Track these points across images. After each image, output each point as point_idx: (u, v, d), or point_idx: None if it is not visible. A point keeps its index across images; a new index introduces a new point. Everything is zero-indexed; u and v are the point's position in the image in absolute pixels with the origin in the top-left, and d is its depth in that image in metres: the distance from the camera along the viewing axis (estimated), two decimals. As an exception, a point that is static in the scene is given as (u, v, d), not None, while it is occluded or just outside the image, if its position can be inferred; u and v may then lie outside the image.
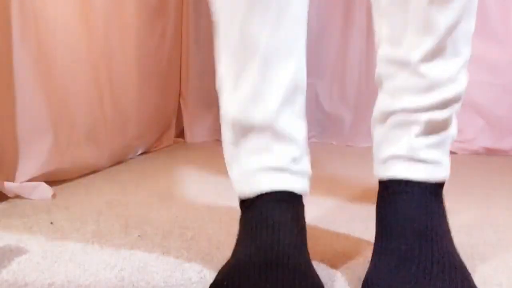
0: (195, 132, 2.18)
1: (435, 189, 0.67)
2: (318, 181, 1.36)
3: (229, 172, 0.67)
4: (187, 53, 2.16)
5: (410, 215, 0.59)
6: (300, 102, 0.62)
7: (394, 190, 0.62)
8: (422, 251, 0.56)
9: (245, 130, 0.61)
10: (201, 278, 0.67)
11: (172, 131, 2.05)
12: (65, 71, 1.20)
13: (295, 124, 0.62)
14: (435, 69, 0.60)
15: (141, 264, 0.71)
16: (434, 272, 0.53)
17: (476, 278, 0.70)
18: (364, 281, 0.58)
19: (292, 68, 0.60)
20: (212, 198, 1.12)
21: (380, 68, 0.63)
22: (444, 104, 0.61)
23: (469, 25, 0.67)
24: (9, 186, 1.02)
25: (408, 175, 0.63)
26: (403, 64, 0.60)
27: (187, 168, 1.52)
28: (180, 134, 2.18)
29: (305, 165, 0.64)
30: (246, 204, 0.64)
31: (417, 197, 0.62)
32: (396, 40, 0.60)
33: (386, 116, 0.64)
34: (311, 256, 0.64)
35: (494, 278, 0.70)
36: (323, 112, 2.14)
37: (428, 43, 0.59)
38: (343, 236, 0.87)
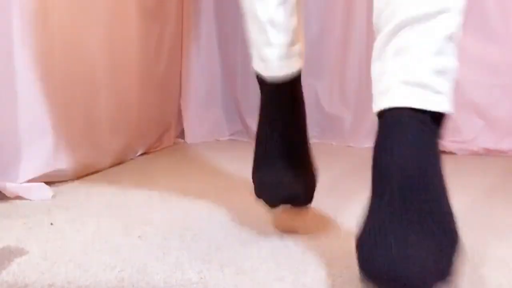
0: (195, 132, 2.18)
1: (432, 126, 0.57)
2: (319, 181, 1.36)
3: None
4: (187, 54, 2.16)
5: (405, 157, 0.55)
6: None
7: (390, 126, 0.56)
8: (409, 198, 0.54)
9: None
10: (201, 278, 0.67)
11: (172, 132, 2.05)
12: (65, 71, 1.20)
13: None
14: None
15: (141, 265, 0.71)
16: (416, 237, 0.52)
17: (476, 278, 0.70)
18: (356, 239, 0.60)
19: None
20: (212, 198, 1.12)
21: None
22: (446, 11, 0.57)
23: None
24: (9, 187, 1.02)
25: (402, 103, 0.55)
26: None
27: (187, 168, 1.52)
28: (180, 134, 2.18)
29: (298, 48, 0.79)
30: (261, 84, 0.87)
31: (414, 134, 0.55)
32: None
33: (387, 38, 0.59)
34: (310, 256, 0.66)
35: (494, 278, 0.70)
36: (323, 113, 2.14)
37: None
38: (343, 236, 0.87)
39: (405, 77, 0.56)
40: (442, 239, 0.54)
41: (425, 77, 0.55)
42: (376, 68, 0.61)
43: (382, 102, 0.58)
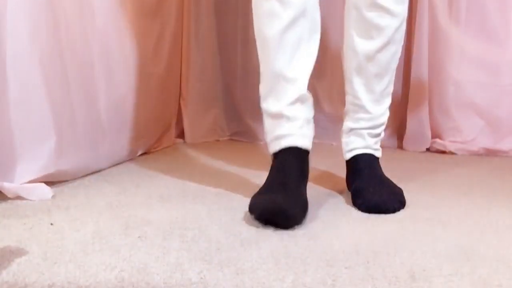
0: (195, 132, 2.18)
1: (376, 159, 1.13)
2: (319, 181, 1.36)
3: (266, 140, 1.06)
4: (187, 54, 2.16)
5: (369, 165, 1.10)
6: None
7: (358, 158, 1.11)
8: (376, 179, 1.07)
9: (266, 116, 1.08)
10: (201, 278, 0.67)
11: (172, 132, 2.05)
12: (65, 72, 1.20)
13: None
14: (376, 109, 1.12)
15: (141, 265, 0.71)
16: (380, 190, 1.04)
17: (476, 278, 0.70)
18: (352, 192, 1.08)
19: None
20: (212, 198, 1.13)
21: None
22: (380, 125, 1.13)
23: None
24: (9, 187, 1.02)
25: (365, 152, 1.12)
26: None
27: (187, 168, 1.52)
28: (180, 134, 2.18)
29: (309, 130, 1.04)
30: (273, 156, 1.03)
31: (369, 159, 1.11)
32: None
33: (350, 130, 1.13)
34: (310, 256, 0.66)
35: (494, 279, 0.70)
36: (323, 113, 2.14)
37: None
38: (343, 236, 0.87)
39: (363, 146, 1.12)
40: (394, 190, 1.08)
41: (372, 146, 1.13)
42: (348, 134, 1.15)
43: (353, 154, 1.13)
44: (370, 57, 1.05)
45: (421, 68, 2.07)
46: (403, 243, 0.84)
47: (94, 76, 1.35)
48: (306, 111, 1.03)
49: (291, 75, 1.00)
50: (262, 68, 1.04)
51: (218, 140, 2.26)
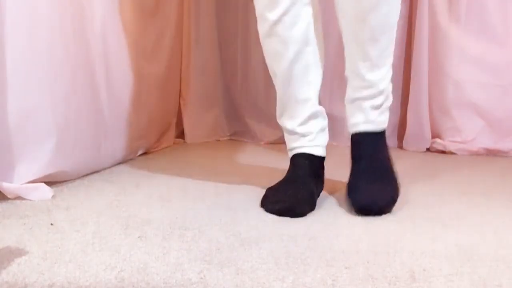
0: (195, 132, 2.18)
1: (380, 135, 1.09)
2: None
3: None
4: (187, 54, 2.16)
5: (370, 151, 1.07)
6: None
7: (359, 138, 1.09)
8: (371, 170, 1.04)
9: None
10: (201, 278, 0.67)
11: (172, 132, 2.05)
12: (65, 72, 1.20)
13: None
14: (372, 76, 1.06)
15: (141, 265, 0.71)
16: (372, 187, 1.01)
17: (476, 278, 0.70)
18: (347, 184, 1.07)
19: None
20: (212, 198, 1.13)
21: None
22: (379, 93, 1.07)
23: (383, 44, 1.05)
24: (9, 187, 1.02)
25: (365, 129, 1.09)
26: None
27: (187, 168, 1.52)
28: (180, 134, 2.18)
29: (322, 139, 1.16)
30: (290, 161, 1.12)
31: (371, 140, 1.08)
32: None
33: (352, 101, 1.10)
34: (310, 256, 0.67)
35: (494, 279, 0.70)
36: (323, 113, 2.14)
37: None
38: (343, 236, 0.87)
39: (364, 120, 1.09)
40: (389, 185, 1.05)
41: (374, 119, 1.08)
42: (350, 107, 1.12)
43: (355, 129, 1.11)
44: (360, 19, 1.00)
45: (421, 68, 2.07)
46: (403, 243, 0.84)
47: (94, 76, 1.35)
48: (318, 125, 1.14)
49: (302, 97, 1.09)
50: (277, 91, 1.12)
51: (218, 140, 2.26)
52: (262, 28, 1.07)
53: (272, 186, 1.07)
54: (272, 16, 1.02)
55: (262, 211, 1.02)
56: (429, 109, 2.08)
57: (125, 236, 0.84)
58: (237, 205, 1.07)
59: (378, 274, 0.70)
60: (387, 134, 2.32)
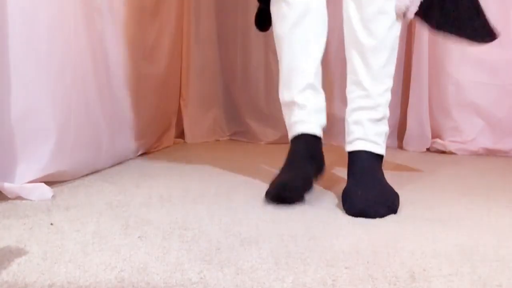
0: (195, 132, 2.18)
1: (376, 157, 1.10)
2: (319, 181, 1.36)
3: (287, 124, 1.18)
4: (187, 54, 2.16)
5: (364, 166, 1.08)
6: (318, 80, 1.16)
7: (356, 155, 1.10)
8: (368, 181, 1.05)
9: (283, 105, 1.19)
10: (201, 278, 0.67)
11: (172, 132, 2.05)
12: (66, 72, 1.20)
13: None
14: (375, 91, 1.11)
15: (141, 265, 0.71)
16: (368, 194, 1.01)
17: (476, 278, 0.70)
18: (342, 193, 1.05)
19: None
20: (212, 198, 1.13)
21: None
22: (377, 106, 1.10)
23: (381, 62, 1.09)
24: (9, 187, 1.02)
25: (361, 148, 1.09)
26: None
27: (187, 168, 1.52)
28: (180, 134, 2.18)
29: (320, 118, 1.17)
30: (290, 143, 1.15)
31: (367, 158, 1.09)
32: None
33: (351, 112, 1.13)
34: (310, 256, 0.67)
35: (494, 279, 0.70)
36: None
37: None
38: (343, 236, 0.87)
39: (361, 136, 1.10)
40: (385, 194, 1.04)
41: (371, 137, 1.10)
42: (348, 122, 1.13)
43: (352, 147, 1.11)
44: (363, 26, 1.07)
45: (421, 68, 2.07)
46: (403, 243, 0.84)
47: (94, 77, 1.35)
48: (316, 101, 1.14)
49: (300, 66, 1.12)
50: (280, 64, 1.16)
51: (218, 140, 2.26)
52: None
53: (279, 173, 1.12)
54: None
55: (262, 211, 1.02)
56: (429, 109, 2.08)
57: (125, 236, 0.84)
58: (237, 205, 1.07)
59: (378, 274, 0.70)
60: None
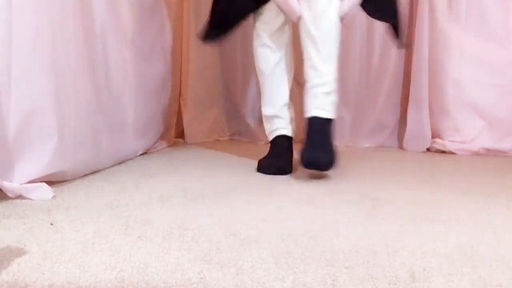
0: (195, 132, 2.18)
1: (328, 121, 1.40)
2: (318, 180, 1.36)
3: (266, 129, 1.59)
4: (187, 54, 2.16)
5: (318, 129, 1.38)
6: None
7: (313, 120, 1.39)
8: (318, 142, 1.36)
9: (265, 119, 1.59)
10: (201, 278, 0.67)
11: (172, 132, 2.05)
12: (66, 73, 1.20)
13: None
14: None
15: (141, 265, 0.71)
16: (316, 150, 1.35)
17: (476, 278, 0.70)
18: (300, 152, 1.36)
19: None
20: (212, 198, 1.13)
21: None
22: (329, 82, 1.41)
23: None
24: (9, 187, 1.02)
25: (317, 114, 1.40)
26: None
27: (187, 168, 1.52)
28: (180, 134, 2.18)
29: (292, 125, 1.56)
30: (271, 143, 1.56)
31: (321, 122, 1.39)
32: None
33: (309, 89, 1.42)
34: (310, 256, 0.67)
35: (494, 279, 0.70)
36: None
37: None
38: (343, 236, 0.87)
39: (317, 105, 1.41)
40: (329, 151, 1.36)
41: (324, 106, 1.40)
42: (307, 96, 1.43)
43: (310, 114, 1.40)
44: (313, 22, 1.40)
45: (421, 68, 2.07)
46: (403, 243, 0.84)
47: (94, 77, 1.35)
48: (289, 113, 1.55)
49: (280, 90, 1.54)
50: (261, 87, 1.58)
51: (218, 140, 2.26)
52: (257, 42, 1.55)
53: (263, 158, 1.53)
54: (265, 36, 1.53)
55: (262, 211, 1.03)
56: (429, 109, 2.08)
57: (125, 236, 0.84)
58: (237, 205, 1.07)
59: (378, 274, 0.70)
60: (387, 133, 2.31)
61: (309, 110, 1.40)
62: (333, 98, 1.42)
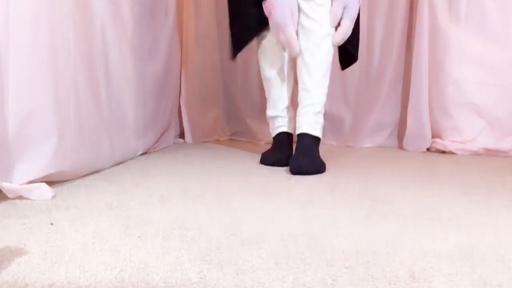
0: (195, 132, 2.18)
1: (315, 138, 1.57)
2: (319, 181, 1.36)
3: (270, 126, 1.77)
4: (187, 54, 2.16)
5: (307, 142, 1.55)
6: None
7: (302, 136, 1.55)
8: (305, 153, 1.52)
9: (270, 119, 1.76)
10: (201, 278, 0.67)
11: (172, 132, 2.05)
12: (65, 73, 1.20)
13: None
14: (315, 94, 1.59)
15: (141, 265, 0.71)
16: (303, 159, 1.50)
17: (476, 278, 0.70)
18: (289, 161, 1.53)
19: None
20: (212, 198, 1.13)
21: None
22: (317, 104, 1.58)
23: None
24: (9, 187, 1.02)
25: (306, 131, 1.56)
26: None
27: (187, 168, 1.52)
28: (180, 134, 2.18)
29: (293, 124, 1.69)
30: (273, 139, 1.73)
31: (309, 137, 1.55)
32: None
33: (300, 110, 1.59)
34: (310, 256, 0.68)
35: (494, 279, 0.70)
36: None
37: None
38: (343, 236, 0.87)
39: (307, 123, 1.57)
40: (315, 161, 1.52)
41: (313, 124, 1.57)
42: (299, 115, 1.59)
43: (300, 131, 1.56)
44: (309, 51, 1.57)
45: (421, 68, 2.07)
46: (403, 243, 0.84)
47: (94, 76, 1.35)
48: (290, 114, 1.71)
49: (283, 95, 1.72)
50: (267, 93, 1.75)
51: (218, 140, 2.26)
52: (262, 52, 1.72)
53: (266, 151, 1.73)
54: (269, 46, 1.70)
55: (262, 211, 1.03)
56: (429, 109, 2.08)
57: (125, 236, 0.84)
58: (237, 205, 1.07)
59: (378, 274, 0.70)
60: (387, 133, 2.31)
61: (299, 128, 1.56)
62: (321, 119, 1.58)
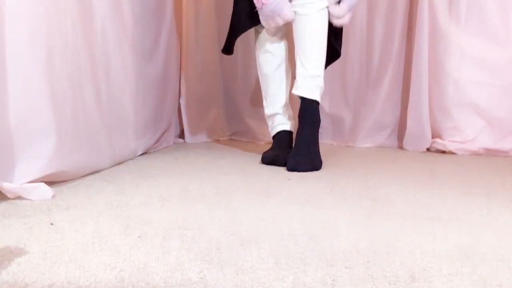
0: (195, 132, 2.18)
1: (316, 102, 1.58)
2: (319, 181, 1.36)
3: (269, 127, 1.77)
4: (187, 54, 2.16)
5: (306, 136, 1.56)
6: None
7: (303, 102, 1.58)
8: (304, 150, 1.54)
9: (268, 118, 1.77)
10: (201, 278, 0.67)
11: (172, 132, 2.05)
12: (66, 73, 1.20)
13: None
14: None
15: (141, 265, 0.71)
16: (301, 157, 1.53)
17: (476, 278, 0.70)
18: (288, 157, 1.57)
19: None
20: (212, 198, 1.13)
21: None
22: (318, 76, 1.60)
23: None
24: (9, 187, 1.02)
25: (304, 95, 1.57)
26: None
27: (187, 168, 1.52)
28: (180, 134, 2.18)
29: (291, 121, 1.73)
30: (273, 138, 1.74)
31: (308, 105, 1.57)
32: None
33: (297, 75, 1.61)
34: (310, 256, 0.67)
35: (494, 279, 0.70)
36: (323, 113, 2.14)
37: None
38: (343, 236, 0.87)
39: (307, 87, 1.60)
40: (313, 158, 1.55)
41: (310, 86, 1.58)
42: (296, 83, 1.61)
43: (296, 92, 1.59)
44: (303, 24, 1.59)
45: (421, 68, 2.07)
46: (403, 243, 0.84)
47: (94, 77, 1.35)
48: (288, 112, 1.72)
49: (280, 92, 1.72)
50: (263, 91, 1.75)
51: (218, 140, 2.26)
52: (260, 49, 1.73)
53: (267, 151, 1.70)
54: (268, 43, 1.72)
55: (262, 211, 1.03)
56: (429, 109, 2.08)
57: (125, 236, 0.84)
58: (237, 205, 1.07)
59: (378, 274, 0.70)
60: (387, 133, 2.31)
61: (296, 88, 1.58)
62: (319, 82, 1.59)
